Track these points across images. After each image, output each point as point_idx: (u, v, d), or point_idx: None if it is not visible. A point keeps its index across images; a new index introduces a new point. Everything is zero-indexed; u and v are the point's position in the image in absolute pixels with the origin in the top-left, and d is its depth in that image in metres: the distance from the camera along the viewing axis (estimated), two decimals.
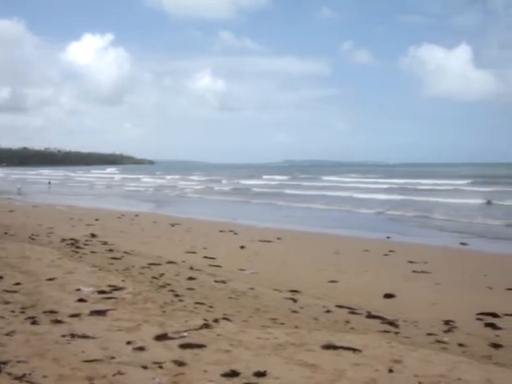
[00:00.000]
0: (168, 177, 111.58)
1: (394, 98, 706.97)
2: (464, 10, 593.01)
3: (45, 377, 5.84)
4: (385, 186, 66.70)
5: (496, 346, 8.53)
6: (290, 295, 11.65)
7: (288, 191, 59.59)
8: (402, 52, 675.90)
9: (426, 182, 72.92)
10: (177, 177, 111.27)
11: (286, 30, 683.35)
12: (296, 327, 8.55)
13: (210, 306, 9.73)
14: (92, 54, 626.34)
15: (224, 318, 8.78)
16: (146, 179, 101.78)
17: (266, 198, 51.18)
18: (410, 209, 37.70)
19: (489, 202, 41.98)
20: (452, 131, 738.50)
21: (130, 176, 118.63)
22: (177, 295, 10.56)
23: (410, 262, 17.05)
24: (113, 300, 9.79)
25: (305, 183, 79.58)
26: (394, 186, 67.68)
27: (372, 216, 35.35)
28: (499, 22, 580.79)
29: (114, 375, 5.95)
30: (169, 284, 11.80)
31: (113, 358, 6.51)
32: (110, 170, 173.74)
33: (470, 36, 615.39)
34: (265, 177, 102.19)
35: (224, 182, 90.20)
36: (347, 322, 9.45)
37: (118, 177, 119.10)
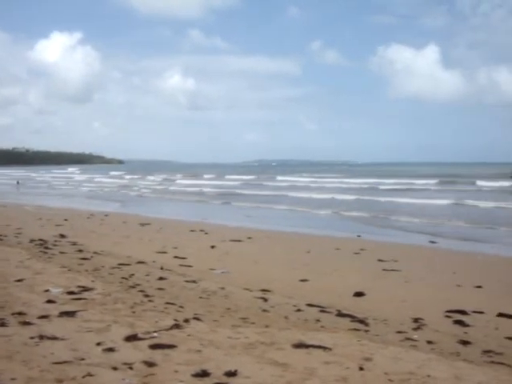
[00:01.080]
0: (128, 176, 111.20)
1: (364, 98, 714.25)
2: (432, 11, 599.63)
3: (13, 379, 5.76)
4: (349, 186, 67.16)
5: (464, 342, 8.63)
6: (260, 294, 11.65)
7: (248, 192, 58.36)
8: (371, 52, 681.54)
9: (390, 182, 73.19)
10: (136, 176, 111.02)
11: (255, 29, 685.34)
12: (267, 326, 8.56)
13: (181, 306, 9.69)
14: (60, 52, 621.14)
15: (195, 318, 8.75)
16: (104, 179, 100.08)
17: (223, 198, 50.32)
18: (368, 209, 37.45)
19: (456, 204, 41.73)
20: (421, 131, 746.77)
21: (89, 176, 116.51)
22: (147, 295, 10.50)
23: (380, 260, 17.17)
24: (82, 301, 9.69)
25: (269, 183, 79.28)
26: (356, 185, 68.01)
27: (328, 217, 34.62)
28: (467, 23, 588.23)
29: (83, 377, 5.90)
30: (139, 284, 11.73)
31: (82, 359, 6.45)
32: (72, 169, 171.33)
33: (438, 36, 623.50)
34: (227, 177, 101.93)
35: (180, 181, 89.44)
36: (318, 320, 9.48)
37: (78, 177, 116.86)
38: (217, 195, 54.68)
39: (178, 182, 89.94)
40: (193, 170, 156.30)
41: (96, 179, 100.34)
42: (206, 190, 63.36)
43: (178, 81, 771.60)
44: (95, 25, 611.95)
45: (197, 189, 64.92)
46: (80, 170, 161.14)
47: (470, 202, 41.21)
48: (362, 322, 9.60)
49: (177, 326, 8.10)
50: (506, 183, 63.81)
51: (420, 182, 70.65)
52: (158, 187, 72.87)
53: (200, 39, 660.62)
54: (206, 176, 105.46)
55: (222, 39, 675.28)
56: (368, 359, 6.97)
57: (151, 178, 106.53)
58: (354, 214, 34.88)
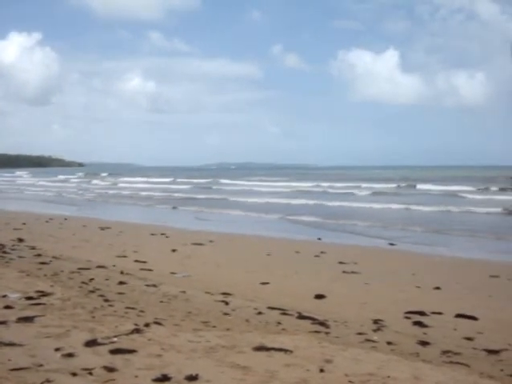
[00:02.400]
0: (75, 180, 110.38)
1: (325, 101, 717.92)
2: (392, 16, 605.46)
3: None
4: (305, 189, 67.29)
5: (423, 343, 8.76)
6: (221, 298, 11.64)
7: (198, 196, 57.28)
8: (332, 56, 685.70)
9: (344, 185, 73.28)
10: (86, 180, 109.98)
11: (216, 32, 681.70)
12: (228, 330, 8.55)
13: (141, 311, 9.62)
14: (18, 53, 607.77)
15: (155, 323, 8.70)
16: (48, 183, 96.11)
17: (170, 202, 48.82)
18: (320, 213, 36.02)
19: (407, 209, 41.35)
20: (382, 134, 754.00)
21: (37, 179, 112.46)
22: (107, 300, 10.40)
23: (341, 262, 17.28)
24: (41, 306, 9.55)
25: (219, 187, 78.45)
26: (310, 189, 68.35)
27: (280, 221, 33.75)
28: (425, 28, 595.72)
29: (42, 383, 5.82)
30: (99, 289, 11.60)
31: (41, 365, 6.36)
32: (20, 173, 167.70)
33: (397, 41, 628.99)
34: (179, 180, 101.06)
35: (126, 185, 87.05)
36: (279, 323, 9.51)
37: (25, 181, 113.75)
38: (164, 199, 53.30)
39: (122, 185, 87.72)
40: (150, 172, 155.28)
41: (40, 183, 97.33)
42: (155, 194, 61.70)
43: (138, 83, 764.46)
44: (54, 26, 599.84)
45: (146, 193, 63.48)
46: (30, 174, 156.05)
47: (425, 208, 40.73)
48: (322, 324, 9.66)
49: (137, 331, 8.04)
50: (454, 187, 64.64)
51: (377, 186, 70.88)
52: (102, 191, 70.73)
53: (161, 41, 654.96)
54: (155, 179, 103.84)
55: (183, 42, 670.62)
56: (328, 361, 7.01)
57: (95, 181, 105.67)
58: (306, 218, 33.76)
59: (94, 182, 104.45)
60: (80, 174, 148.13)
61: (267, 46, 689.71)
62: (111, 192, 67.69)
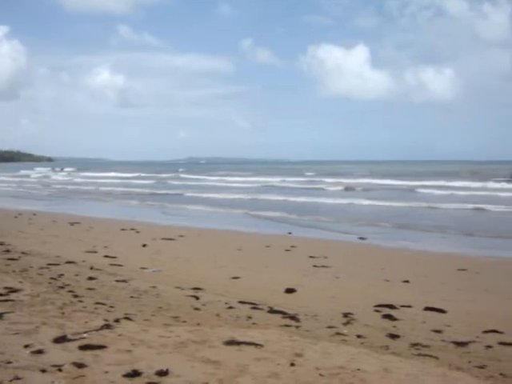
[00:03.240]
0: (36, 175, 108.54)
1: (295, 97, 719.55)
2: (363, 12, 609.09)
3: None
4: (271, 184, 67.28)
5: (393, 336, 8.84)
6: (192, 293, 11.62)
7: (161, 191, 56.64)
8: (302, 51, 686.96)
9: (315, 180, 74.33)
10: (48, 175, 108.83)
11: (186, 26, 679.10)
12: (198, 324, 8.55)
13: (111, 306, 9.56)
14: None
15: (125, 318, 8.65)
16: (10, 179, 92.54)
17: (129, 197, 48.54)
18: (284, 208, 35.99)
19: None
20: (353, 129, 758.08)
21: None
22: (76, 296, 10.31)
23: (311, 256, 17.36)
24: (9, 302, 9.43)
25: (187, 183, 76.75)
26: (277, 184, 68.53)
27: (242, 216, 33.24)
28: (395, 24, 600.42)
29: (10, 381, 5.75)
30: (68, 285, 11.50)
31: (9, 362, 6.28)
32: None
33: (367, 37, 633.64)
34: (145, 175, 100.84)
35: (83, 180, 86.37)
36: (249, 317, 9.52)
37: None
38: (125, 194, 52.64)
39: (83, 180, 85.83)
40: (118, 167, 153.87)
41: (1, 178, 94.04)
42: (117, 189, 60.51)
43: (107, 77, 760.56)
44: (22, 19, 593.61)
45: (108, 188, 62.08)
46: None
47: (395, 203, 40.38)
48: (293, 318, 9.69)
49: (107, 326, 7.99)
50: (414, 182, 65.48)
51: (344, 181, 71.11)
52: (62, 186, 69.16)
53: (129, 35, 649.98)
54: (120, 174, 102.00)
55: (153, 36, 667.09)
56: (299, 355, 7.05)
57: (56, 177, 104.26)
58: (271, 213, 33.27)
59: (54, 177, 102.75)
60: (40, 169, 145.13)
61: (238, 40, 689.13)
62: (70, 187, 66.51)
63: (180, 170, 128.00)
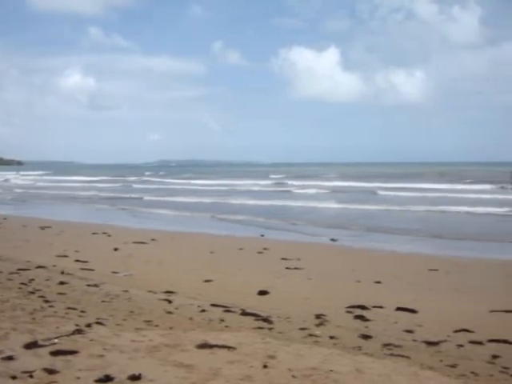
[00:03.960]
0: None
1: (267, 99, 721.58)
2: (334, 14, 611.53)
3: None
4: (238, 188, 66.17)
5: (365, 336, 8.90)
6: (164, 296, 11.58)
7: (125, 195, 55.72)
8: (274, 54, 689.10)
9: (284, 183, 74.63)
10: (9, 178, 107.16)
11: (157, 28, 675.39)
12: (171, 328, 8.50)
13: (83, 311, 9.47)
14: None
15: (97, 323, 8.57)
16: None
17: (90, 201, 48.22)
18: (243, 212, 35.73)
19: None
20: (323, 131, 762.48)
21: None
22: (47, 301, 10.19)
23: (284, 258, 17.40)
24: None
25: (152, 186, 77.28)
26: (245, 188, 67.55)
27: (209, 220, 32.95)
28: (365, 26, 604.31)
29: None
30: (39, 290, 11.37)
31: None
32: None
33: (338, 39, 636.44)
34: (114, 178, 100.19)
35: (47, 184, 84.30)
36: (222, 320, 9.51)
37: None
38: (89, 199, 51.80)
39: (46, 184, 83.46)
40: (89, 170, 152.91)
41: None
42: (81, 193, 59.60)
43: (78, 80, 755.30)
44: None
45: (72, 192, 61.18)
46: None
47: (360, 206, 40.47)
48: (265, 320, 9.70)
49: (78, 331, 7.91)
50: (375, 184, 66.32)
51: (313, 184, 71.11)
52: (24, 190, 67.19)
53: (100, 37, 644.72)
54: (87, 178, 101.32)
55: (124, 38, 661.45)
56: (272, 357, 7.04)
57: (14, 180, 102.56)
58: (239, 217, 32.97)
59: (14, 181, 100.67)
60: (3, 173, 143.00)
61: (209, 42, 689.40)
62: (32, 192, 64.44)
63: (147, 173, 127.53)
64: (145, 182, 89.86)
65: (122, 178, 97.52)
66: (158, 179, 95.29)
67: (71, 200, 50.53)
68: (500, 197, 46.48)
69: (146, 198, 51.61)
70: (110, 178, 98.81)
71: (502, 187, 58.87)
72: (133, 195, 55.22)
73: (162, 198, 49.71)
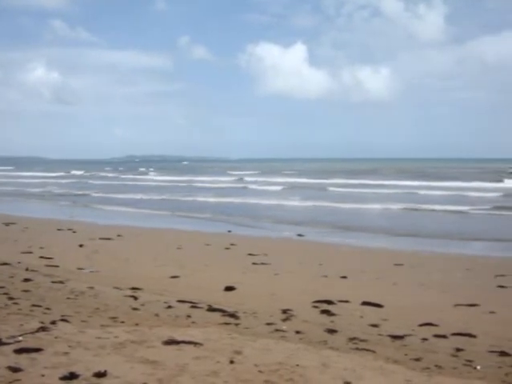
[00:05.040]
0: None
1: (235, 95, 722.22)
2: (301, 11, 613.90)
3: None
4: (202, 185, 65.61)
5: (331, 331, 8.95)
6: (130, 293, 11.51)
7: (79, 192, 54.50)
8: (241, 49, 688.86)
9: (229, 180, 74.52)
10: None
11: (122, 23, 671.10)
12: (137, 324, 8.46)
13: (47, 308, 9.38)
14: None
15: (62, 320, 8.49)
16: None
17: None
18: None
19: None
20: (292, 127, 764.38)
21: None
22: (11, 298, 10.06)
23: (250, 254, 17.44)
24: None
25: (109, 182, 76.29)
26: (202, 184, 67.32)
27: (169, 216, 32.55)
28: (332, 23, 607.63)
29: None
30: (2, 287, 11.20)
31: None
32: None
33: (305, 36, 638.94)
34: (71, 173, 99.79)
35: None
36: (188, 316, 9.49)
37: None
38: (40, 195, 51.08)
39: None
40: (47, 166, 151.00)
41: None
42: (33, 190, 57.82)
43: (42, 74, 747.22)
44: None
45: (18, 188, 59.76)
46: None
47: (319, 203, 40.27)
48: (232, 315, 9.70)
49: (43, 329, 7.83)
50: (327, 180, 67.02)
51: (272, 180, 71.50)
52: None
53: (64, 31, 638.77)
54: (33, 174, 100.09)
55: (89, 32, 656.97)
56: (238, 352, 7.05)
57: None
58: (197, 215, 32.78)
59: None
60: None
61: (175, 37, 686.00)
62: None
63: (106, 168, 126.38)
64: (103, 178, 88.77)
65: (79, 173, 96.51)
66: (117, 175, 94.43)
67: (22, 196, 49.86)
68: (464, 194, 47.07)
69: (95, 194, 50.85)
70: (68, 174, 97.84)
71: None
72: (85, 192, 54.09)
73: (109, 195, 48.99)
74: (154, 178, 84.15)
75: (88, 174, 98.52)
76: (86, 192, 53.53)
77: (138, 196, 47.74)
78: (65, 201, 43.95)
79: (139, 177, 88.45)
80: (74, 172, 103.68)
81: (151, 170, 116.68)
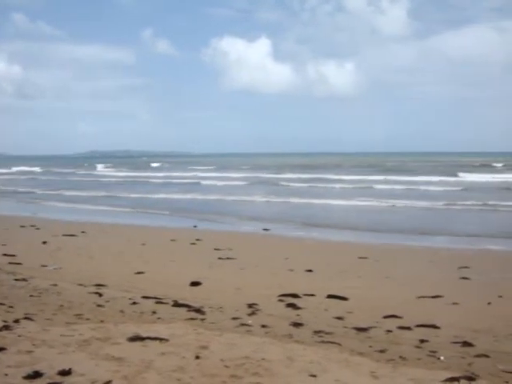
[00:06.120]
0: None
1: (200, 89, 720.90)
2: (266, 5, 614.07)
3: None
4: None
5: (296, 324, 9.00)
6: (95, 289, 11.42)
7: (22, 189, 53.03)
8: (205, 43, 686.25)
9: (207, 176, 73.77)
10: None
11: (85, 16, 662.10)
12: (102, 321, 8.41)
13: (10, 306, 9.26)
14: None
15: (25, 318, 8.40)
16: None
17: None
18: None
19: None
20: (256, 122, 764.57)
21: None
22: None
23: (216, 249, 17.43)
24: None
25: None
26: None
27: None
28: (296, 18, 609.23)
29: None
30: None
31: None
32: None
33: (270, 30, 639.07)
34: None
35: None
36: (154, 312, 9.46)
37: None
38: None
39: None
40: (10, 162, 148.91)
41: None
42: None
43: (3, 68, 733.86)
44: None
45: None
46: None
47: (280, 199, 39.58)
48: (198, 311, 9.70)
49: (6, 328, 7.73)
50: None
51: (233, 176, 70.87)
52: None
53: (25, 24, 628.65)
54: None
55: (50, 26, 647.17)
56: (204, 347, 7.05)
57: None
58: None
59: None
60: None
61: (138, 31, 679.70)
62: None
63: (65, 164, 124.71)
64: (56, 174, 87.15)
65: (31, 170, 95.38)
66: (71, 170, 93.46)
67: None
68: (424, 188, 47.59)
69: (40, 192, 49.36)
70: (20, 170, 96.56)
71: None
72: (31, 190, 52.17)
73: (55, 192, 47.84)
74: (110, 173, 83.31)
75: (42, 170, 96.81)
76: (32, 190, 51.77)
77: (86, 193, 46.47)
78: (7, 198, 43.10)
79: (95, 173, 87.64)
80: (26, 168, 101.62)
81: (109, 165, 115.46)
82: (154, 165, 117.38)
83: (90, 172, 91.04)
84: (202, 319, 9.10)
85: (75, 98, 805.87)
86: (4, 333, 7.47)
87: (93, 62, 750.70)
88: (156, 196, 43.26)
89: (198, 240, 19.48)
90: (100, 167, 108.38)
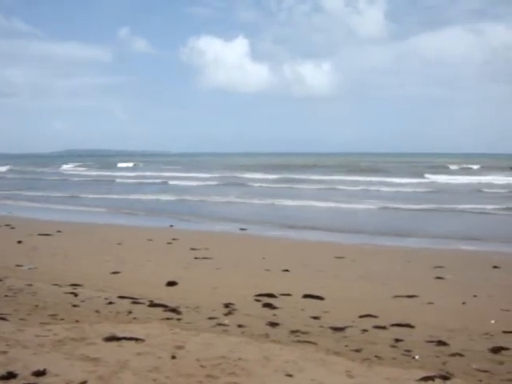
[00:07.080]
0: None
1: (177, 88, 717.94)
2: (244, 5, 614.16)
3: None
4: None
5: (273, 324, 9.02)
6: (70, 289, 11.34)
7: None
8: (182, 42, 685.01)
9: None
10: None
11: (60, 13, 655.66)
12: (77, 321, 8.35)
13: None
14: None
15: (0, 318, 8.33)
16: None
17: None
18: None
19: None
20: (233, 121, 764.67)
21: None
22: None
23: (193, 248, 17.40)
24: None
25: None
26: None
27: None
28: (274, 18, 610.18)
29: None
30: None
31: None
32: None
33: (247, 30, 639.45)
34: None
35: None
36: (130, 312, 9.42)
37: None
38: None
39: None
40: None
41: None
42: None
43: None
44: None
45: None
46: None
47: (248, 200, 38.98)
48: (174, 310, 9.67)
49: None
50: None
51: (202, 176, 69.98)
52: None
53: (0, 21, 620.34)
54: None
55: (25, 22, 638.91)
56: (180, 347, 7.04)
57: None
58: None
59: None
60: None
61: (114, 29, 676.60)
62: None
63: (37, 163, 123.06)
64: (25, 172, 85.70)
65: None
66: (43, 169, 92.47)
67: None
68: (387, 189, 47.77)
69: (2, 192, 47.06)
70: None
71: None
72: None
73: (20, 192, 46.04)
74: (78, 173, 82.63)
75: (9, 169, 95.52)
76: None
77: (42, 193, 44.74)
78: None
79: (66, 172, 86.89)
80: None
81: (77, 164, 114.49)
82: (122, 165, 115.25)
83: (56, 171, 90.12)
84: (178, 319, 9.08)
85: (52, 96, 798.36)
86: None
87: (69, 59, 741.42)
88: (133, 197, 42.09)
89: (174, 239, 19.44)
90: (67, 166, 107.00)
